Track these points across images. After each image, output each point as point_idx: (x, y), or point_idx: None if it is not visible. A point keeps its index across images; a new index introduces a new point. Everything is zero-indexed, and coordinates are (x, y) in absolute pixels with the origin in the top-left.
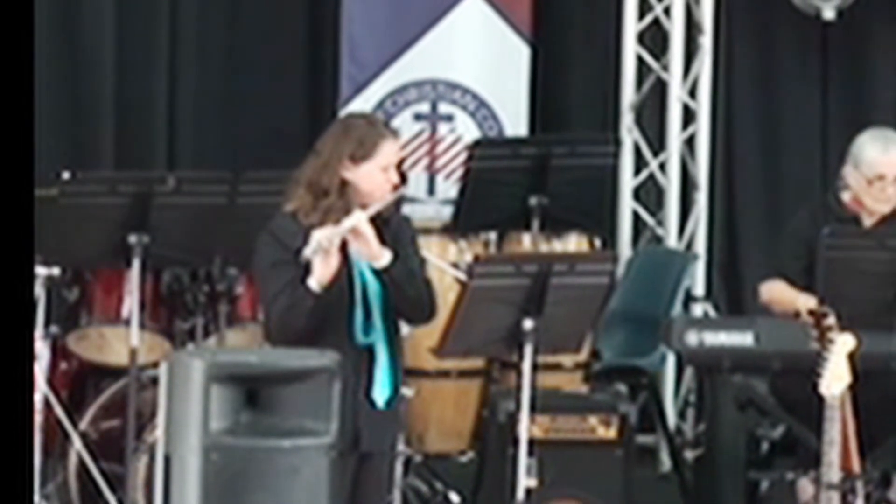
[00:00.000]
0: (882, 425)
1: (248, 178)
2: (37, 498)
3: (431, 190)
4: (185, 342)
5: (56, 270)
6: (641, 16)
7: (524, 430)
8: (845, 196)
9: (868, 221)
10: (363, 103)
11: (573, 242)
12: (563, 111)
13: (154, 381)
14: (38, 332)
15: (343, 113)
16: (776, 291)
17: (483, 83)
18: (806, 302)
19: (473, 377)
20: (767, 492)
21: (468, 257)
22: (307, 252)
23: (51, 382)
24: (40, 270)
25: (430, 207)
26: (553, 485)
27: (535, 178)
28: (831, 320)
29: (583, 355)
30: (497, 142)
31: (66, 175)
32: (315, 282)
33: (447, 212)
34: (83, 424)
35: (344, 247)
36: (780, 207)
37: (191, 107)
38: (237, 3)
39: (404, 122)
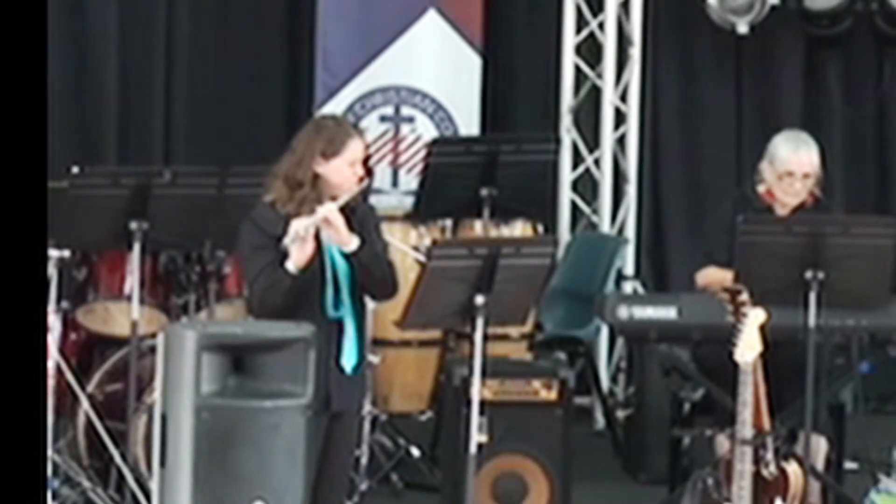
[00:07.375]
0: (789, 389)
1: (234, 172)
2: (49, 452)
3: (395, 182)
4: (179, 316)
5: (66, 253)
6: (579, 30)
7: (476, 392)
8: (761, 188)
9: (781, 212)
10: (335, 106)
11: (519, 228)
12: (510, 113)
13: (152, 350)
14: (51, 306)
15: (317, 115)
16: (710, 276)
17: (440, 89)
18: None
19: (432, 346)
20: (689, 447)
21: (427, 241)
22: (286, 241)
23: (62, 351)
24: (53, 253)
25: (393, 198)
26: (501, 440)
27: (486, 172)
28: (745, 296)
29: (527, 327)
30: (452, 140)
31: (75, 170)
32: (292, 264)
33: (409, 202)
34: (90, 388)
35: (317, 233)
36: (700, 198)
37: (184, 110)
38: (226, 23)
39: (371, 123)
